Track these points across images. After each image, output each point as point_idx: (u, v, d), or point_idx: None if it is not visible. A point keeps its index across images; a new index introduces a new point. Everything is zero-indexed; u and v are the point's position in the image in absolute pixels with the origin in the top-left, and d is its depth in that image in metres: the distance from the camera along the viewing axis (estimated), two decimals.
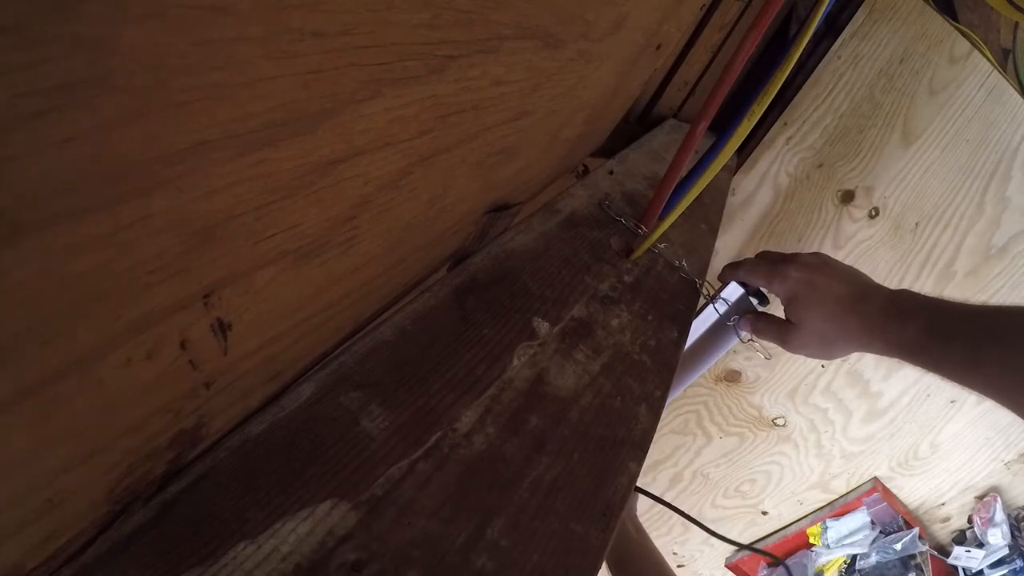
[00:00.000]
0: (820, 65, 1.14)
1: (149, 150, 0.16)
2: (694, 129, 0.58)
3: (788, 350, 0.57)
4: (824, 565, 1.64)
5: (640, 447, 0.45)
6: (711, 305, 0.63)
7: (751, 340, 0.63)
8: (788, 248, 1.02)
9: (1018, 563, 1.49)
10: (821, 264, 0.55)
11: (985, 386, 0.44)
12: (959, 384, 0.46)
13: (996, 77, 1.15)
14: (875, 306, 0.51)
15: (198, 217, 0.19)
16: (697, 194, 0.59)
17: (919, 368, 0.48)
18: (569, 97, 0.49)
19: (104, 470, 0.23)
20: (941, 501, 1.63)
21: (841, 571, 1.62)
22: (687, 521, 0.75)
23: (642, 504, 1.64)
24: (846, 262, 0.57)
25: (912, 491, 1.63)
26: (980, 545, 1.55)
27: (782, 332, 0.55)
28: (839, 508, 1.64)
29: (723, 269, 0.63)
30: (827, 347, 0.53)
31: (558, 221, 0.62)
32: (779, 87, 0.51)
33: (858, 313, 0.51)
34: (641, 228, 0.67)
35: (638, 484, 0.65)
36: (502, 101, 0.36)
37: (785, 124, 1.20)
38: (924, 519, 1.65)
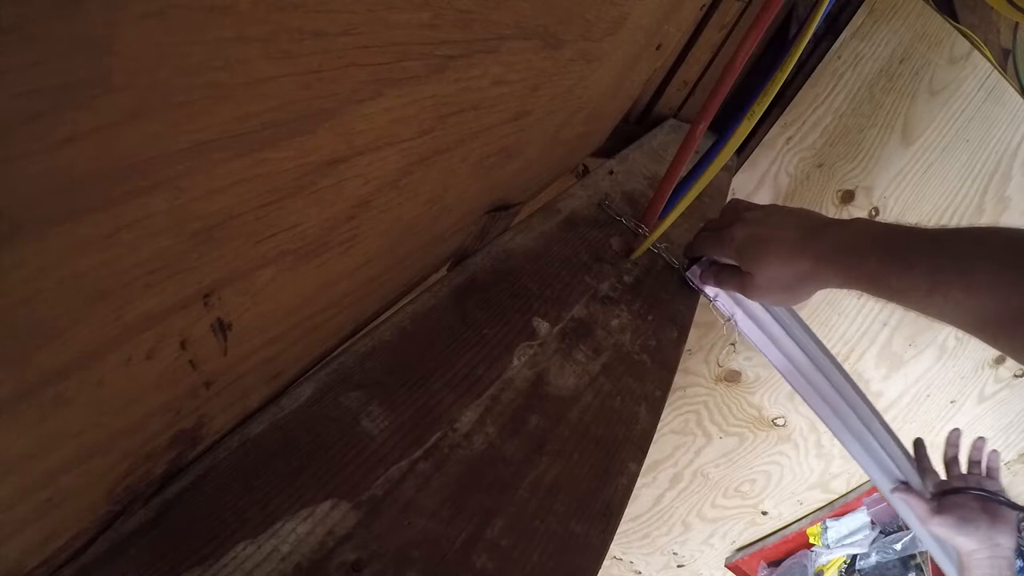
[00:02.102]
0: (820, 65, 1.14)
1: (149, 150, 0.16)
2: (694, 129, 0.58)
3: (751, 298, 0.57)
4: (824, 565, 1.64)
5: (640, 447, 0.45)
6: (714, 306, 0.63)
7: (715, 298, 0.63)
8: None
9: (1018, 563, 1.49)
10: (765, 217, 0.55)
11: (946, 312, 0.43)
12: (921, 312, 0.45)
13: (996, 77, 1.15)
14: (827, 242, 0.50)
15: (198, 217, 0.19)
16: (697, 194, 0.59)
17: (880, 299, 0.47)
18: (569, 97, 0.49)
19: (104, 470, 0.23)
20: None
21: (841, 571, 1.62)
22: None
23: (642, 503, 1.64)
24: None
25: None
26: None
27: (742, 282, 0.56)
28: (839, 508, 1.64)
29: (683, 254, 0.63)
30: (787, 291, 0.53)
31: (558, 221, 0.62)
32: (779, 87, 0.51)
33: (809, 252, 0.50)
34: (642, 228, 0.67)
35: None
36: (502, 101, 0.36)
37: (785, 124, 1.20)
38: None
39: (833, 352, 1.45)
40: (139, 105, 0.15)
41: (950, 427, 1.51)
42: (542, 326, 0.49)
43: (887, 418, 1.55)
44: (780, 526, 1.71)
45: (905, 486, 0.70)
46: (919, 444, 0.77)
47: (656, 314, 0.59)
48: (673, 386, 0.55)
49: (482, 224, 0.52)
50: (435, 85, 0.28)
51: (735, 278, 0.57)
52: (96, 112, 0.14)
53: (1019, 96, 1.17)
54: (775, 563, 1.72)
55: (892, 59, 1.13)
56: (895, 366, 1.44)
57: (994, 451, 0.76)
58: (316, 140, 0.22)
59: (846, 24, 1.11)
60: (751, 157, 1.23)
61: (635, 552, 1.73)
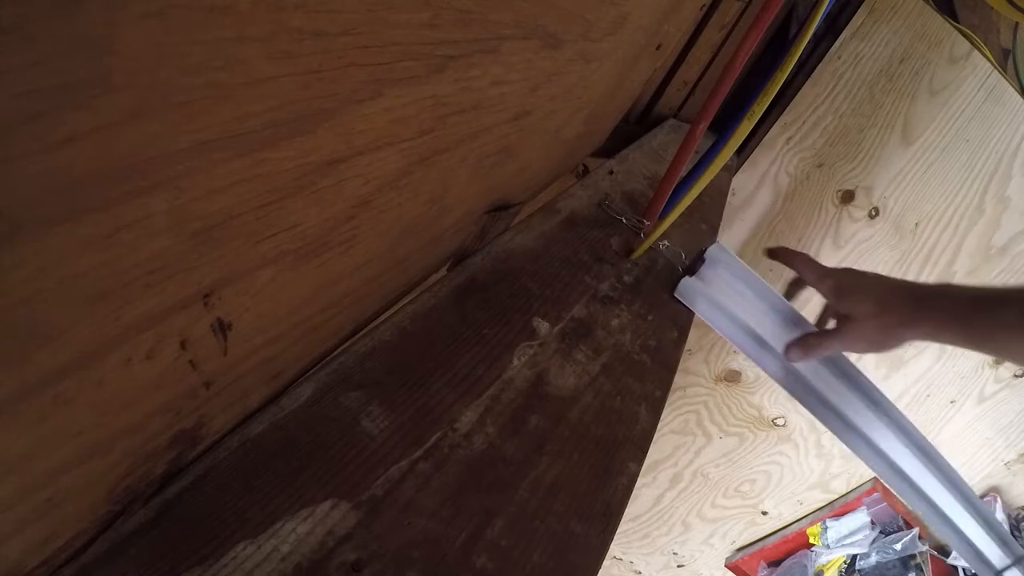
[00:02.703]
0: (820, 65, 1.14)
1: (149, 150, 0.16)
2: (694, 129, 0.58)
3: (850, 348, 0.59)
4: (824, 565, 1.64)
5: (640, 447, 0.45)
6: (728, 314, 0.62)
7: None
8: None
9: None
10: (862, 272, 0.60)
11: None
12: (1006, 357, 0.50)
13: (996, 77, 1.15)
14: (919, 291, 0.55)
15: (198, 217, 0.19)
16: (697, 194, 0.59)
17: (963, 347, 0.51)
18: (569, 97, 0.49)
19: (104, 470, 0.23)
20: None
21: (841, 571, 1.62)
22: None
23: (642, 503, 1.64)
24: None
25: None
26: None
27: (839, 333, 0.58)
28: (839, 508, 1.64)
29: (777, 250, 0.65)
30: (884, 335, 0.56)
31: (558, 221, 0.62)
32: (779, 87, 0.51)
33: (907, 301, 0.54)
34: (643, 225, 0.67)
35: None
36: (502, 101, 0.36)
37: (785, 124, 1.20)
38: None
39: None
40: (139, 105, 0.15)
41: (951, 427, 1.51)
42: (542, 326, 0.49)
43: None
44: (780, 526, 1.71)
45: None
46: None
47: (656, 314, 0.59)
48: (673, 386, 0.55)
49: (482, 224, 0.52)
50: (435, 85, 0.28)
51: (829, 336, 0.59)
52: (96, 112, 0.14)
53: (1019, 96, 1.17)
54: (775, 563, 1.72)
55: (892, 59, 1.13)
56: (895, 366, 1.43)
57: None
58: (316, 140, 0.22)
59: (846, 24, 1.11)
60: (751, 157, 1.23)
61: (635, 552, 1.73)
